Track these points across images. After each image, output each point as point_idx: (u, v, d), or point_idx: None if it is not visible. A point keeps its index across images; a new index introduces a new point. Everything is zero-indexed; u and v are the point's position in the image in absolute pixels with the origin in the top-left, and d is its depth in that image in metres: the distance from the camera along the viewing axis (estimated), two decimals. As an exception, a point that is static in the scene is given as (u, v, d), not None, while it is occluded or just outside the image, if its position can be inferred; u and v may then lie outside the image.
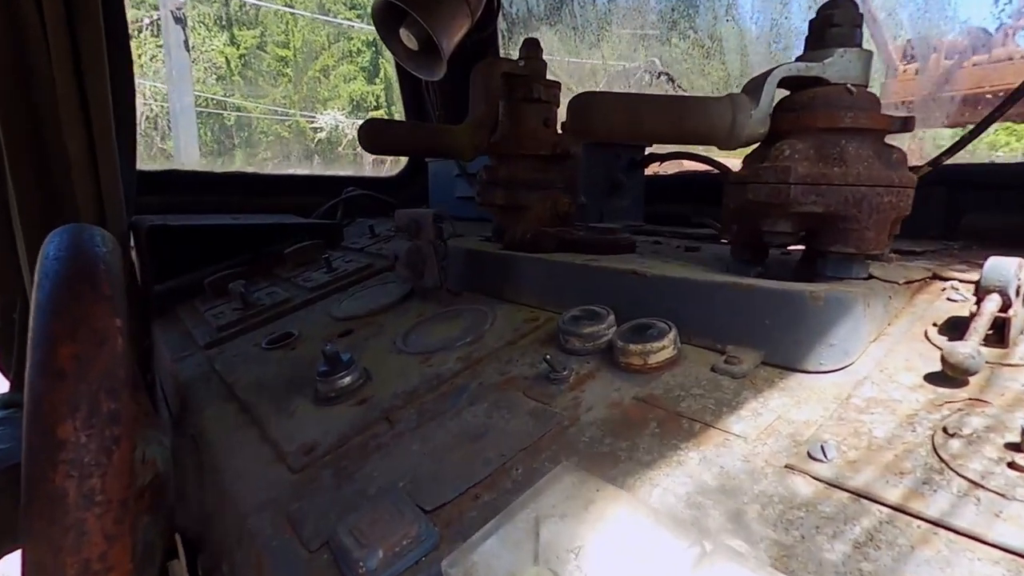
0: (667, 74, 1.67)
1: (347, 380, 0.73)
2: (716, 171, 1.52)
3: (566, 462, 0.47)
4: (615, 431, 0.53)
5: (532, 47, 0.98)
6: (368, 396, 0.71)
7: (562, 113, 1.04)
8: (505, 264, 0.90)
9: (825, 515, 0.38)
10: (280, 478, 0.61)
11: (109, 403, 0.49)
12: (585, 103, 0.61)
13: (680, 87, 1.66)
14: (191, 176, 1.80)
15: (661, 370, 0.60)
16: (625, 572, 0.34)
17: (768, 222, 0.62)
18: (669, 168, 1.66)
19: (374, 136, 0.88)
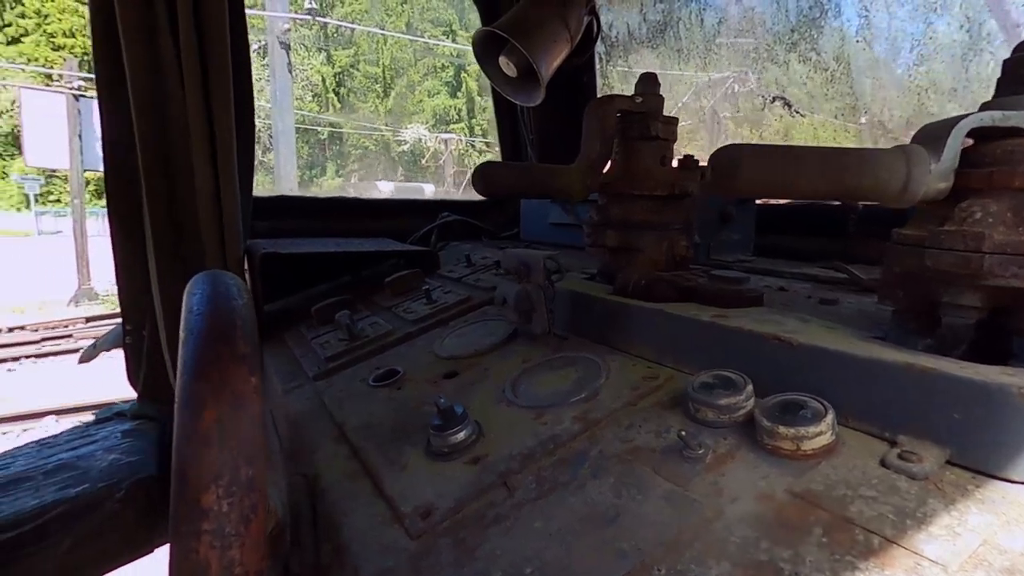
0: (783, 99, 1.56)
1: (460, 436, 0.71)
2: (837, 202, 1.41)
3: (719, 573, 0.42)
4: (771, 534, 0.47)
5: (650, 83, 0.94)
6: (482, 455, 0.69)
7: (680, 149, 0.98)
8: (618, 312, 0.86)
9: None
10: (398, 543, 0.59)
11: (247, 470, 0.49)
12: (731, 157, 0.56)
13: (798, 112, 1.55)
14: (298, 201, 1.90)
15: (817, 458, 0.53)
16: None
17: (950, 294, 0.53)
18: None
19: (488, 179, 0.86)
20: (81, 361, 1.56)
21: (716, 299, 0.80)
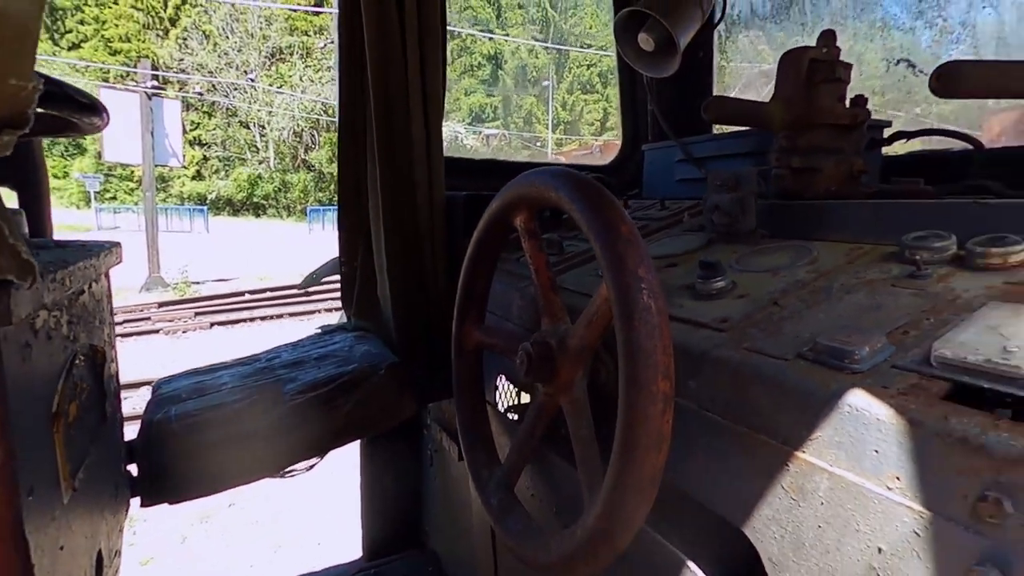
0: (907, 60, 1.78)
1: (722, 283, 0.99)
2: (955, 150, 1.64)
3: (991, 303, 0.69)
4: (1004, 300, 0.73)
5: (830, 37, 1.20)
6: (745, 294, 0.96)
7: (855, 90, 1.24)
8: (817, 210, 1.12)
9: None
10: (711, 337, 0.87)
11: (650, 261, 0.77)
12: (953, 69, 0.82)
13: (922, 72, 1.75)
14: (458, 161, 2.21)
15: (1021, 268, 0.79)
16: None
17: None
18: (898, 149, 1.78)
19: (716, 110, 1.14)
20: (301, 287, 1.89)
21: (900, 195, 1.06)
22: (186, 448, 1.24)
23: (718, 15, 2.09)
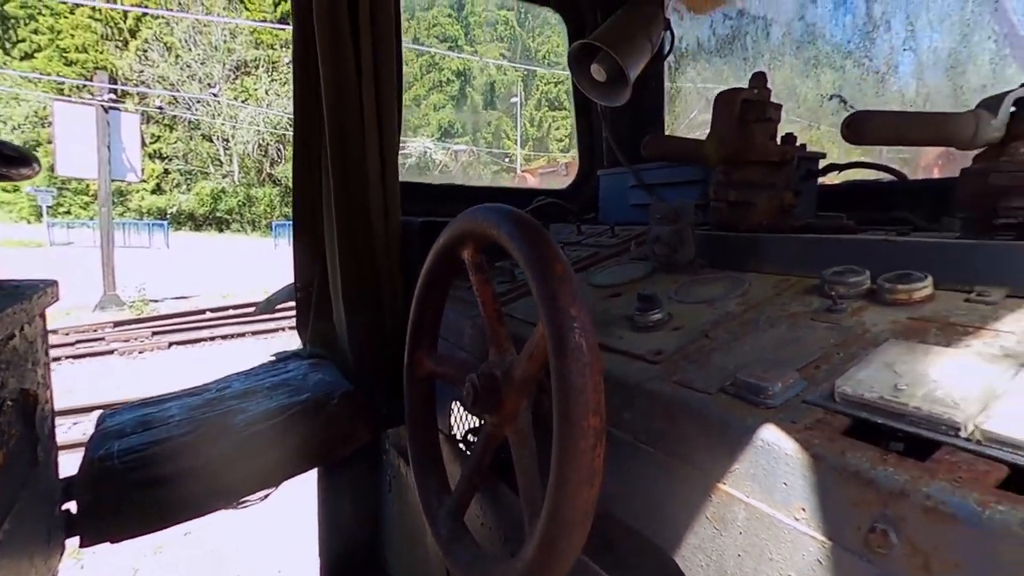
0: (839, 96, 1.90)
1: (659, 316, 1.03)
2: (884, 181, 1.74)
3: (891, 339, 0.74)
4: (906, 335, 0.79)
5: (761, 79, 1.27)
6: (679, 325, 1.01)
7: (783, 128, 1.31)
8: (751, 243, 1.18)
9: (1091, 361, 0.63)
10: (645, 369, 0.91)
11: (583, 301, 0.81)
12: (861, 119, 0.89)
13: (852, 107, 1.87)
14: (416, 186, 2.23)
15: (923, 302, 0.85)
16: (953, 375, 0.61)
17: (1005, 200, 0.86)
18: (833, 179, 1.88)
19: (650, 147, 1.19)
20: (258, 313, 1.87)
21: (826, 229, 1.13)
22: (129, 485, 1.21)
23: (667, 48, 2.18)
